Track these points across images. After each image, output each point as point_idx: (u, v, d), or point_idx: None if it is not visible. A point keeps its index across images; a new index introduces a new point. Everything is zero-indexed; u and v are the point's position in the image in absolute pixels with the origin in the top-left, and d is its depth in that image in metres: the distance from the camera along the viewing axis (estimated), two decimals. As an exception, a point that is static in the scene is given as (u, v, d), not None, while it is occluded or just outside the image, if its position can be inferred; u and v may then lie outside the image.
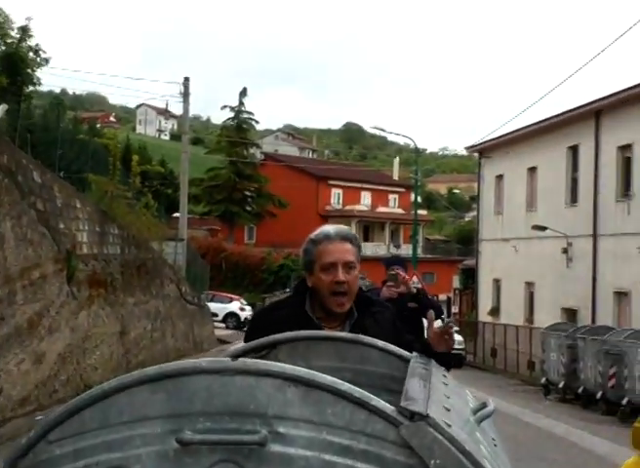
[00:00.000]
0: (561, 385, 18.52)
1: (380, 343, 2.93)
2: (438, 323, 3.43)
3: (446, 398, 2.15)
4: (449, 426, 1.77)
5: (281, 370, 1.79)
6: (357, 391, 1.77)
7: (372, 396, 1.77)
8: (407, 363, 2.83)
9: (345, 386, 1.77)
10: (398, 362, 2.89)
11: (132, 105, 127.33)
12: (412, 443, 1.72)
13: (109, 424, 1.82)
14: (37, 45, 13.62)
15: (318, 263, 3.10)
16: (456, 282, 53.22)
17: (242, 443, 1.76)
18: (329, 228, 3.20)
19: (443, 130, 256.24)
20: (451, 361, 3.11)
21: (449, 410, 1.96)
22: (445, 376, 2.63)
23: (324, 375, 1.79)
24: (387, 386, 2.74)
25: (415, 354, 2.92)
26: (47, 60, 13.98)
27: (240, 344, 3.09)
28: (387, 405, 1.77)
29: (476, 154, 37.10)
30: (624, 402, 14.72)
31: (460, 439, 1.74)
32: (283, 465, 1.75)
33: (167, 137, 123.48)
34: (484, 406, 2.28)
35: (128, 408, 1.81)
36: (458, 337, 29.65)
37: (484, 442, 2.02)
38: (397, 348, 2.93)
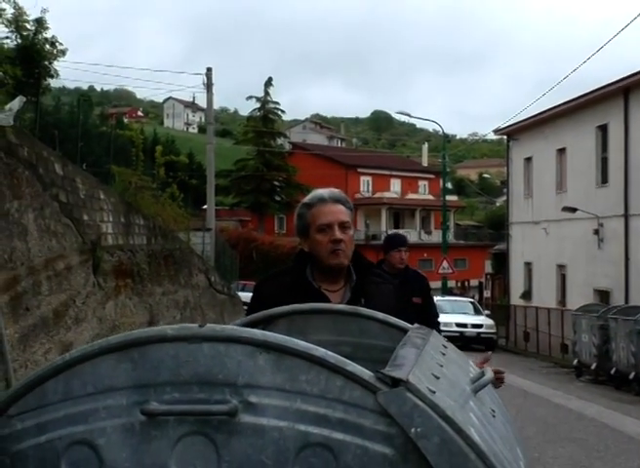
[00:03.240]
0: (593, 367, 18.26)
1: (381, 315, 2.81)
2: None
3: (438, 366, 2.02)
4: (432, 392, 1.64)
5: (252, 337, 1.67)
6: (333, 356, 1.65)
7: (348, 361, 1.66)
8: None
9: (320, 351, 1.65)
10: (399, 334, 2.76)
11: (159, 99, 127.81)
12: (390, 410, 1.60)
13: (73, 396, 1.72)
14: (53, 37, 13.61)
15: (314, 225, 3.12)
16: (488, 267, 52.87)
17: (211, 413, 1.65)
18: (321, 191, 3.21)
19: (473, 116, 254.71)
20: None
21: (438, 378, 1.83)
22: (445, 347, 2.50)
23: (297, 341, 1.68)
24: (388, 359, 2.62)
25: (415, 325, 2.80)
26: (64, 52, 13.94)
27: (238, 320, 3.01)
28: (365, 370, 1.65)
29: (505, 137, 36.69)
30: (658, 382, 14.46)
31: (444, 406, 1.62)
32: (255, 436, 1.64)
33: (195, 131, 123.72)
34: (482, 375, 2.15)
35: (92, 378, 1.71)
36: (489, 321, 29.49)
37: (478, 411, 1.89)
38: (397, 320, 2.81)
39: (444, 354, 2.33)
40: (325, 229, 3.08)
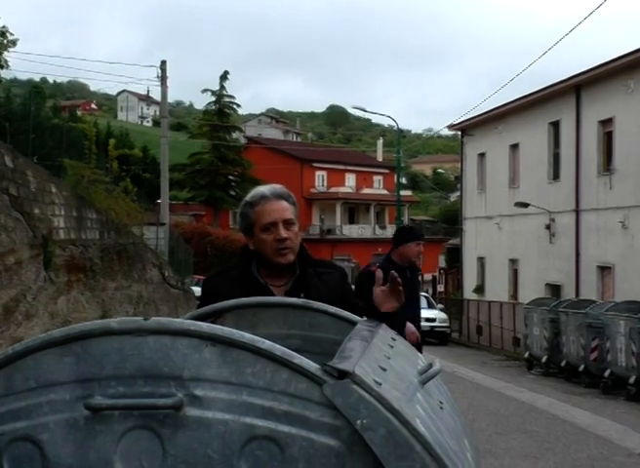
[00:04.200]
0: (544, 359, 18.49)
1: (332, 309, 2.82)
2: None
3: (386, 358, 2.03)
4: (378, 384, 1.65)
5: (198, 329, 1.66)
6: (278, 349, 1.65)
7: (294, 354, 1.65)
8: (358, 328, 2.72)
9: (266, 344, 1.65)
10: (350, 327, 2.76)
11: (113, 92, 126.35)
12: (336, 402, 1.60)
13: (15, 391, 1.70)
14: (4, 26, 13.36)
15: (258, 225, 3.08)
16: (441, 261, 53.26)
17: (156, 407, 1.64)
18: (263, 189, 3.17)
19: (429, 112, 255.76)
20: (399, 321, 2.97)
21: (385, 370, 1.84)
22: (394, 339, 2.51)
23: (243, 333, 1.67)
24: (338, 352, 2.62)
25: (364, 318, 2.81)
26: (14, 43, 13.69)
27: (188, 314, 2.99)
28: (311, 363, 1.65)
29: (459, 133, 36.97)
30: (607, 374, 14.65)
31: (390, 397, 1.63)
32: (200, 430, 1.63)
33: (149, 124, 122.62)
34: (430, 367, 2.16)
35: (34, 373, 1.69)
36: (442, 315, 29.73)
37: (425, 403, 1.90)
38: (349, 313, 2.81)
39: (392, 346, 2.34)
40: (270, 228, 3.05)
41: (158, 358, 1.65)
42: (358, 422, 1.59)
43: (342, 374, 1.62)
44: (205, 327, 1.66)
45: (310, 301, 2.79)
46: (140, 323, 1.66)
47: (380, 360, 1.95)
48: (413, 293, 6.17)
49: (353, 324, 2.73)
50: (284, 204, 3.09)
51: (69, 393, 1.67)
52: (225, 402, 1.64)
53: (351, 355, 1.80)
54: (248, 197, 3.15)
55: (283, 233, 3.03)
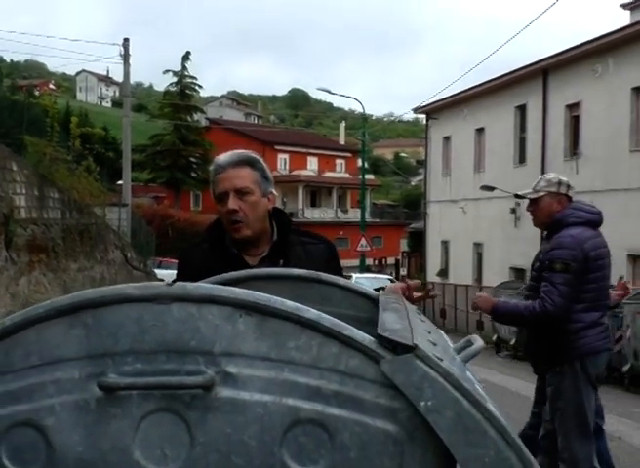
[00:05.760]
0: (512, 342, 18.48)
1: (342, 281, 2.59)
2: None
3: (427, 333, 1.81)
4: (440, 360, 1.43)
5: (231, 296, 1.42)
6: (327, 319, 1.41)
7: (345, 325, 1.42)
8: (373, 302, 2.50)
9: (311, 313, 1.41)
10: (362, 301, 2.55)
11: (72, 72, 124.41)
12: (396, 380, 1.38)
13: (14, 369, 1.44)
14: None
15: (214, 195, 2.86)
16: (403, 245, 53.33)
17: (182, 386, 1.40)
18: (221, 156, 2.91)
19: (393, 96, 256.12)
20: None
21: (435, 345, 1.62)
22: (419, 314, 2.30)
23: (284, 300, 1.43)
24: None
25: (382, 292, 2.60)
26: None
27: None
28: (365, 335, 1.42)
29: (423, 118, 36.88)
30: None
31: (457, 375, 1.41)
32: (235, 413, 1.40)
33: (109, 105, 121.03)
34: (469, 343, 1.95)
35: (37, 348, 1.43)
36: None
37: (477, 383, 1.69)
38: (362, 287, 2.59)
39: (423, 321, 2.13)
40: (223, 199, 2.80)
41: (184, 329, 1.41)
42: (422, 404, 1.36)
43: (404, 348, 1.39)
44: (239, 293, 1.43)
45: (321, 273, 2.56)
46: (161, 288, 1.42)
47: (425, 334, 1.73)
48: None
49: (366, 297, 2.53)
50: (242, 171, 2.82)
51: (79, 370, 1.42)
52: (264, 380, 1.40)
53: (400, 327, 1.58)
54: (211, 165, 2.93)
55: (230, 204, 2.76)
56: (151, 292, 1.42)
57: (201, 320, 1.41)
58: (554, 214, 4.64)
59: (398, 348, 1.40)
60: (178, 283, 1.43)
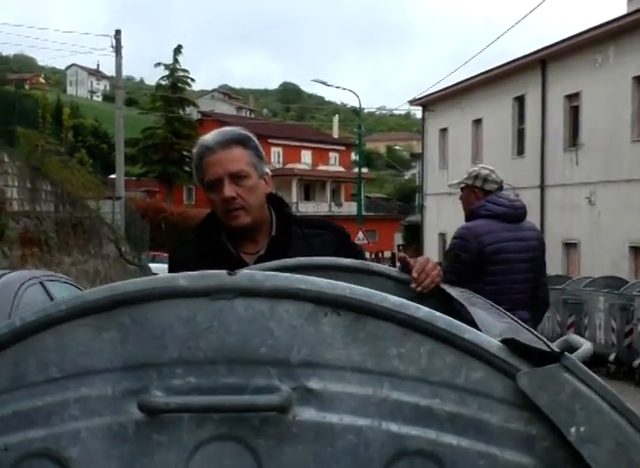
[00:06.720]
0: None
1: (394, 271, 2.28)
2: None
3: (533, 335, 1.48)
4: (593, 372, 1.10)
5: (313, 289, 1.09)
6: (441, 318, 1.08)
7: (465, 326, 1.09)
8: (432, 296, 2.19)
9: (422, 312, 1.08)
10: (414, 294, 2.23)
11: (61, 66, 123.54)
12: (538, 400, 1.04)
13: (26, 383, 1.11)
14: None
15: (204, 183, 2.45)
16: (398, 239, 53.05)
17: (250, 408, 1.07)
18: (207, 137, 2.49)
19: (387, 90, 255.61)
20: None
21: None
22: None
23: (384, 295, 1.10)
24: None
25: (445, 284, 2.28)
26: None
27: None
28: (492, 340, 1.08)
29: (418, 112, 36.57)
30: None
31: (613, 391, 1.07)
32: (319, 442, 1.06)
33: (99, 99, 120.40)
34: (566, 344, 1.62)
35: (57, 356, 1.10)
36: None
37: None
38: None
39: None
40: (216, 186, 2.42)
41: (251, 332, 1.08)
42: (572, 430, 1.03)
43: (546, 357, 1.06)
44: (324, 285, 1.09)
45: (371, 263, 2.24)
46: (222, 278, 1.09)
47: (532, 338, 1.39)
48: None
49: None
50: (234, 153, 2.43)
51: (112, 386, 1.09)
52: (357, 399, 1.07)
53: (511, 328, 1.25)
54: (195, 147, 2.51)
55: (227, 191, 2.38)
56: (207, 284, 1.08)
57: (273, 320, 1.08)
58: (470, 205, 4.68)
59: (536, 357, 1.06)
60: (243, 271, 1.09)
